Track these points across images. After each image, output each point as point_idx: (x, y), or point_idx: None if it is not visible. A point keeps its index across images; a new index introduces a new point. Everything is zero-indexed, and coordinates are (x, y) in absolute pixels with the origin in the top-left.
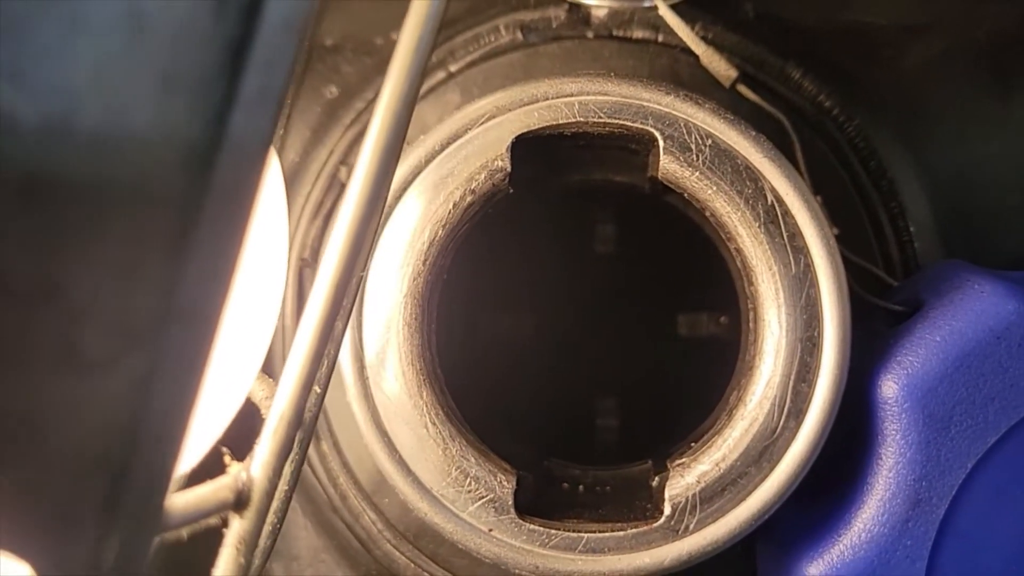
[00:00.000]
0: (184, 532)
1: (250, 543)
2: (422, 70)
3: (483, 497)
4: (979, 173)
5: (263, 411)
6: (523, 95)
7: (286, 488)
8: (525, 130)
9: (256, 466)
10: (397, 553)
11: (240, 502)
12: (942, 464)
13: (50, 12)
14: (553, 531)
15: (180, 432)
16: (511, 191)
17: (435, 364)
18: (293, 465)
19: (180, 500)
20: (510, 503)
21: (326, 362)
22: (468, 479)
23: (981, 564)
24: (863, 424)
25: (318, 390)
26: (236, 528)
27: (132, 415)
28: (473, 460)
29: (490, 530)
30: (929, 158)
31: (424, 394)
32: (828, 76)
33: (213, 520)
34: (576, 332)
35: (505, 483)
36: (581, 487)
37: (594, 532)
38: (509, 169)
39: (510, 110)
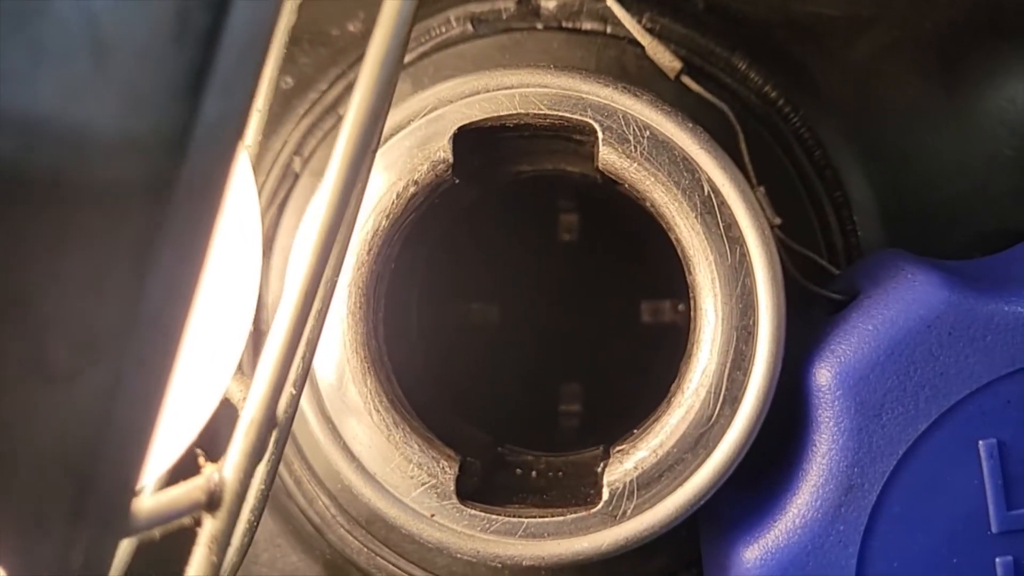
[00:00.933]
0: (157, 532)
1: (222, 542)
2: (395, 71)
3: (425, 483)
4: (924, 164)
5: (240, 411)
6: (465, 87)
7: (262, 487)
8: (466, 121)
9: (228, 467)
10: (350, 538)
11: (212, 503)
12: (874, 451)
13: (14, 38)
14: (494, 516)
15: (145, 440)
16: (456, 182)
17: (381, 353)
18: (269, 465)
19: (151, 502)
20: (452, 489)
21: (301, 364)
22: (411, 465)
23: (912, 548)
24: (798, 412)
25: (293, 391)
26: (208, 528)
27: (97, 424)
28: (416, 447)
29: (432, 515)
30: (874, 149)
31: (368, 382)
32: (775, 67)
33: (187, 521)
34: (540, 320)
35: (448, 469)
36: (534, 473)
37: (534, 517)
38: (451, 160)
39: (452, 102)
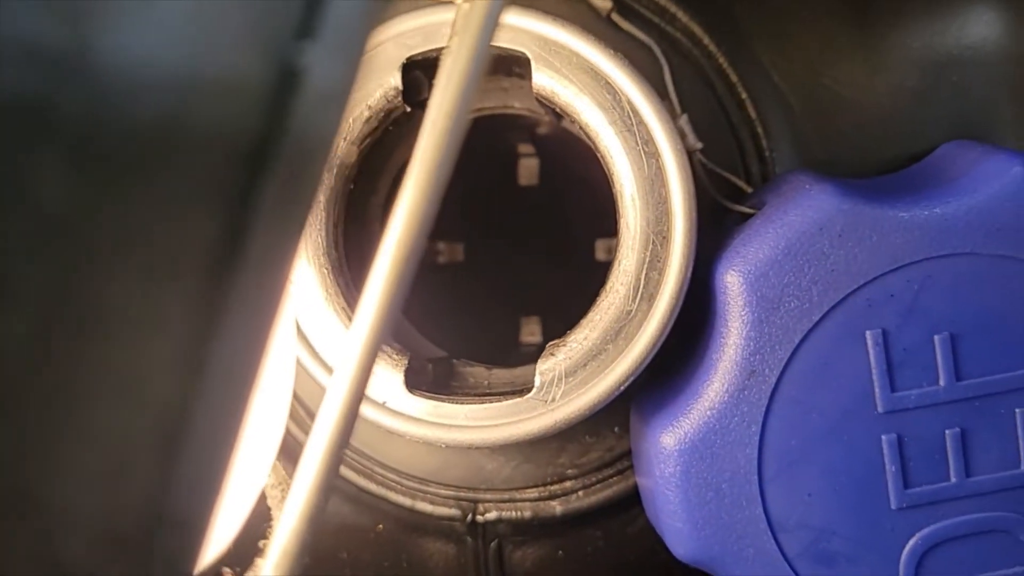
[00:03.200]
0: None
1: None
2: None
3: (378, 375)
4: (834, 95)
5: (271, 505)
6: (409, 23)
7: None
8: (413, 52)
9: None
10: None
11: None
12: (773, 340)
13: None
14: (438, 403)
15: (205, 518)
16: (408, 110)
17: (342, 263)
18: None
19: None
20: (400, 380)
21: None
22: None
23: (808, 427)
24: (709, 308)
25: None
26: None
27: (156, 493)
28: None
29: (384, 402)
30: (789, 82)
31: (328, 287)
32: (700, 7)
33: None
34: (503, 258)
35: (399, 362)
36: (486, 382)
37: (475, 403)
38: (401, 87)
39: (400, 36)
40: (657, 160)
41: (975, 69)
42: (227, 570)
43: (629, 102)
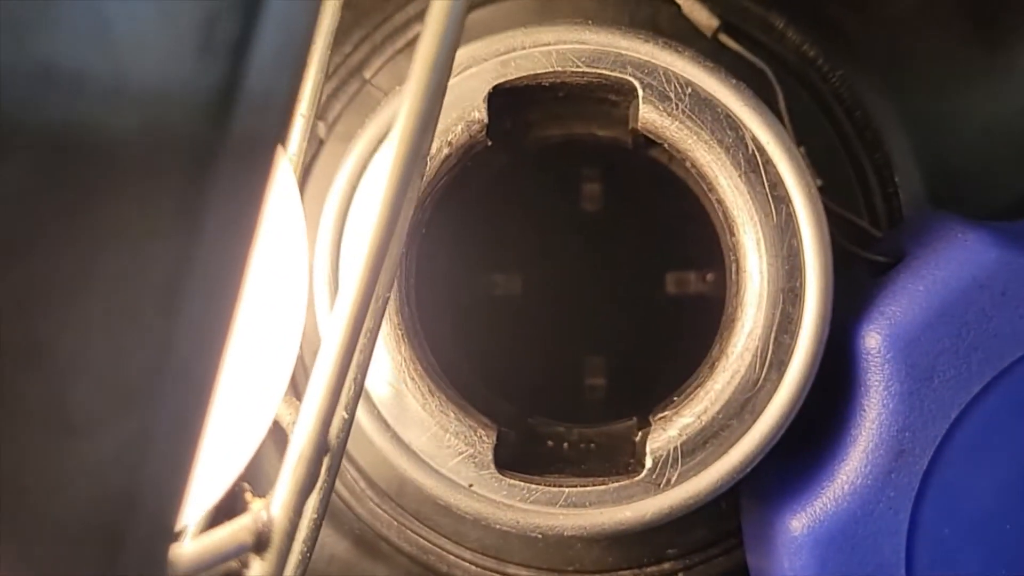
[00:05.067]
0: None
1: None
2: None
3: (462, 452)
4: (965, 123)
5: (290, 438)
6: (500, 45)
7: (315, 517)
8: (501, 80)
9: (276, 505)
10: (380, 511)
11: (260, 544)
12: (925, 415)
13: None
14: (534, 486)
15: (179, 492)
16: (489, 143)
17: (415, 320)
18: (321, 494)
19: (192, 548)
20: (490, 458)
21: (353, 387)
22: (447, 434)
23: (963, 514)
24: (846, 376)
25: (345, 415)
26: (257, 571)
27: (126, 478)
28: (453, 415)
29: (470, 485)
30: (914, 108)
31: (403, 349)
32: (812, 26)
33: (234, 564)
34: (563, 291)
35: (485, 439)
36: (566, 444)
37: (575, 487)
38: (486, 120)
39: (486, 60)
40: (787, 206)
41: None
42: (246, 485)
43: (754, 139)
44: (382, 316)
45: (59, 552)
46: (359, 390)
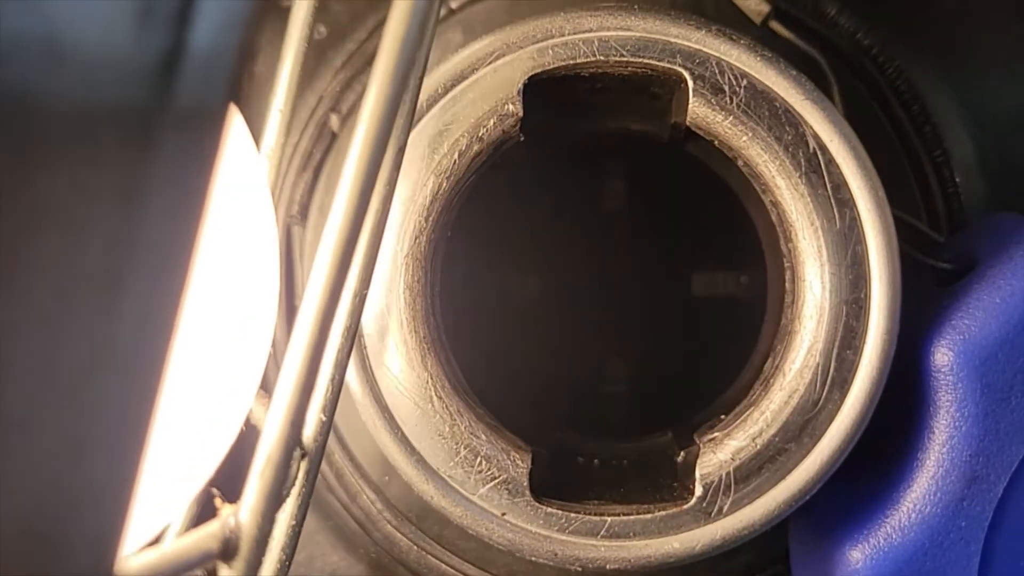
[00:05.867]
0: None
1: None
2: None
3: (495, 478)
4: None
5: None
6: (536, 31)
7: (293, 524)
8: (539, 70)
9: (244, 511)
10: (399, 535)
11: (227, 552)
12: (1001, 438)
13: None
14: (573, 514)
15: (124, 495)
16: (522, 139)
17: (440, 331)
18: (300, 499)
19: (151, 556)
20: (525, 484)
21: (330, 387)
22: (478, 458)
23: None
24: (913, 395)
25: (323, 417)
26: None
27: (66, 480)
28: (484, 437)
29: (503, 514)
30: (977, 101)
31: (428, 364)
32: (866, 12)
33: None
34: (584, 293)
35: (519, 462)
36: (596, 461)
37: (618, 515)
38: (521, 114)
39: (521, 47)
40: (852, 210)
41: None
42: (215, 490)
43: (816, 136)
44: (359, 315)
45: None
46: (337, 391)
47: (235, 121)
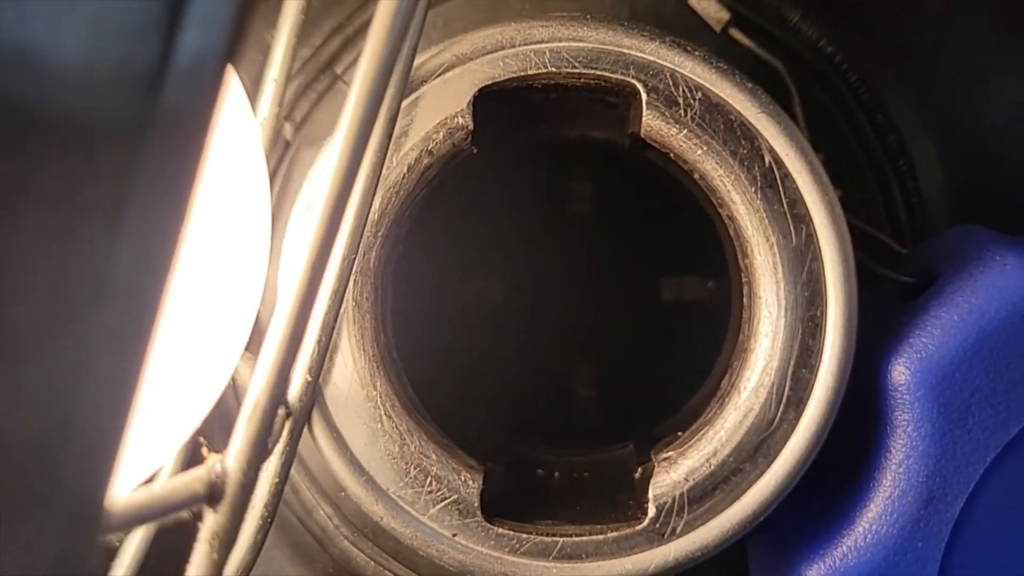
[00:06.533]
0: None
1: (224, 539)
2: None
3: (446, 498)
4: (996, 128)
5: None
6: (486, 42)
7: (276, 481)
8: (489, 82)
9: (231, 457)
10: (355, 550)
11: (213, 496)
12: (958, 458)
13: None
14: (525, 535)
15: (117, 428)
16: (474, 151)
17: (391, 349)
18: (283, 457)
19: (139, 494)
20: (476, 505)
21: (316, 348)
22: (429, 478)
23: (999, 566)
24: (870, 413)
25: (308, 378)
26: (209, 523)
27: (62, 407)
28: (434, 457)
29: (454, 535)
30: (941, 111)
31: (378, 384)
32: (830, 19)
33: (186, 515)
34: (550, 299)
35: (471, 482)
36: (556, 473)
37: (570, 536)
38: (471, 127)
39: (472, 59)
40: (808, 226)
41: None
42: (202, 439)
43: (772, 151)
44: (348, 278)
45: None
46: (323, 353)
47: (233, 85)
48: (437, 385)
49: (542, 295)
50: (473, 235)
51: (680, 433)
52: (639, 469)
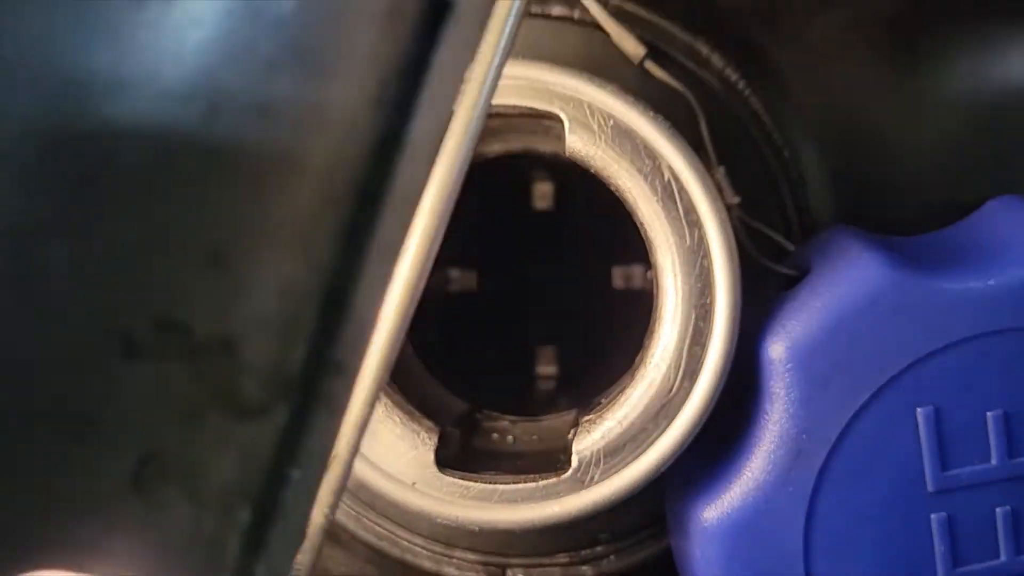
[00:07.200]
0: None
1: None
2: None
3: (406, 454)
4: (878, 142)
5: None
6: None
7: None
8: None
9: None
10: (342, 504)
11: None
12: (821, 419)
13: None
14: (470, 483)
15: (321, 476)
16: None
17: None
18: None
19: None
20: (431, 459)
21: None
22: (393, 438)
23: (856, 508)
24: (753, 383)
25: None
26: None
27: (279, 459)
28: (398, 420)
29: (414, 483)
30: (830, 129)
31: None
32: (735, 51)
33: None
34: (517, 286)
35: (428, 440)
36: (510, 437)
37: (508, 484)
38: None
39: None
40: (700, 230)
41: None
42: None
43: (670, 168)
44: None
45: (212, 516)
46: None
47: None
48: (408, 361)
49: (511, 282)
50: (450, 229)
51: (603, 401)
52: (572, 431)
